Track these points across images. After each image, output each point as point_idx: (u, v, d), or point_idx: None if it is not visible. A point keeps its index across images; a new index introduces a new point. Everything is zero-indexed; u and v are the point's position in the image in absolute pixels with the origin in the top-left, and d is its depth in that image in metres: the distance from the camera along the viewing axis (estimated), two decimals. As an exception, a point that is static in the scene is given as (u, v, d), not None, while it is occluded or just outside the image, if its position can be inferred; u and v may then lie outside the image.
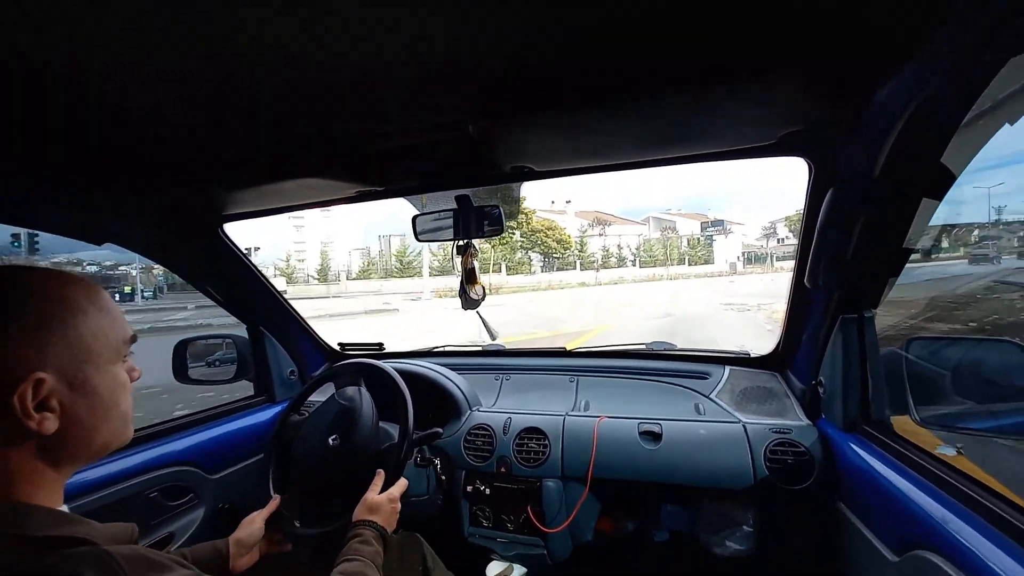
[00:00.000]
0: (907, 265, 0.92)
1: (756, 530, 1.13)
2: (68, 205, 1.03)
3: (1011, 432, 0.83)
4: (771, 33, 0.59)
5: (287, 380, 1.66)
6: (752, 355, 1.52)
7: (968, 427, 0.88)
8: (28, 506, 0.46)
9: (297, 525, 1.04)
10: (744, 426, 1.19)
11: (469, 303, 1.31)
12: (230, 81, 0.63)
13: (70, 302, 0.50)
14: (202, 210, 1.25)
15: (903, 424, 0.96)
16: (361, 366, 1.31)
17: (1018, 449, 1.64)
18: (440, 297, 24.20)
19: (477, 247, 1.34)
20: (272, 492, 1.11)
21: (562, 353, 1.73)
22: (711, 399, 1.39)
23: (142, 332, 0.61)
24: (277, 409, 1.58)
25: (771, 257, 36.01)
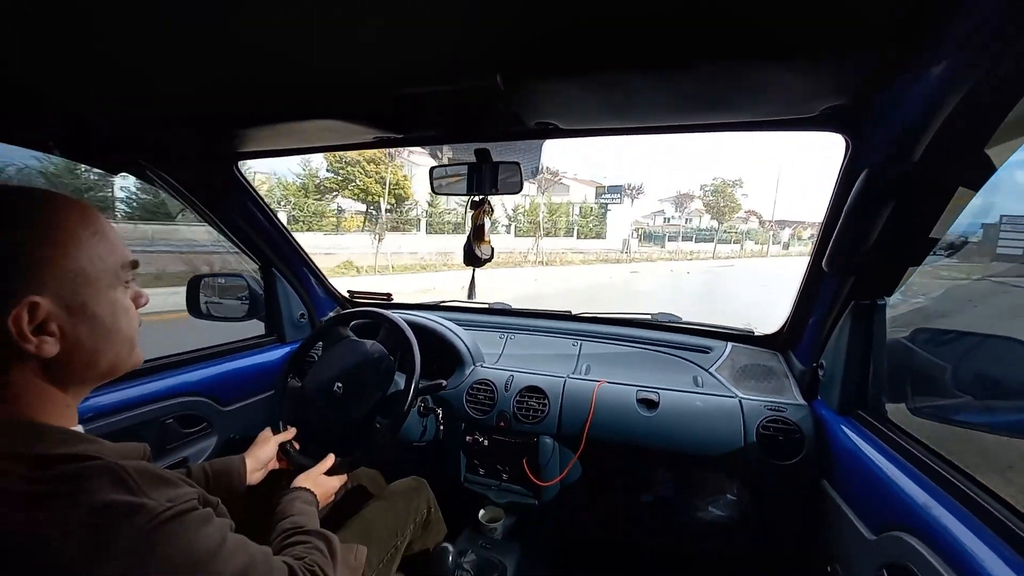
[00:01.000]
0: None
1: (739, 499, 1.18)
2: (83, 132, 1.02)
3: (1005, 429, 0.85)
4: (816, 8, 0.56)
5: (297, 322, 1.69)
6: (756, 333, 1.53)
7: (963, 420, 0.89)
8: (40, 425, 0.48)
9: (297, 448, 1.13)
10: (740, 401, 1.22)
11: (473, 259, 1.30)
12: (248, 18, 0.61)
13: (69, 228, 0.49)
14: (216, 145, 1.23)
15: (898, 412, 0.97)
16: (371, 315, 1.33)
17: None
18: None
19: (491, 205, 1.32)
20: (282, 427, 1.17)
21: (568, 317, 1.75)
22: (710, 373, 1.41)
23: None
24: (287, 349, 1.63)
25: (665, 238, 31.23)
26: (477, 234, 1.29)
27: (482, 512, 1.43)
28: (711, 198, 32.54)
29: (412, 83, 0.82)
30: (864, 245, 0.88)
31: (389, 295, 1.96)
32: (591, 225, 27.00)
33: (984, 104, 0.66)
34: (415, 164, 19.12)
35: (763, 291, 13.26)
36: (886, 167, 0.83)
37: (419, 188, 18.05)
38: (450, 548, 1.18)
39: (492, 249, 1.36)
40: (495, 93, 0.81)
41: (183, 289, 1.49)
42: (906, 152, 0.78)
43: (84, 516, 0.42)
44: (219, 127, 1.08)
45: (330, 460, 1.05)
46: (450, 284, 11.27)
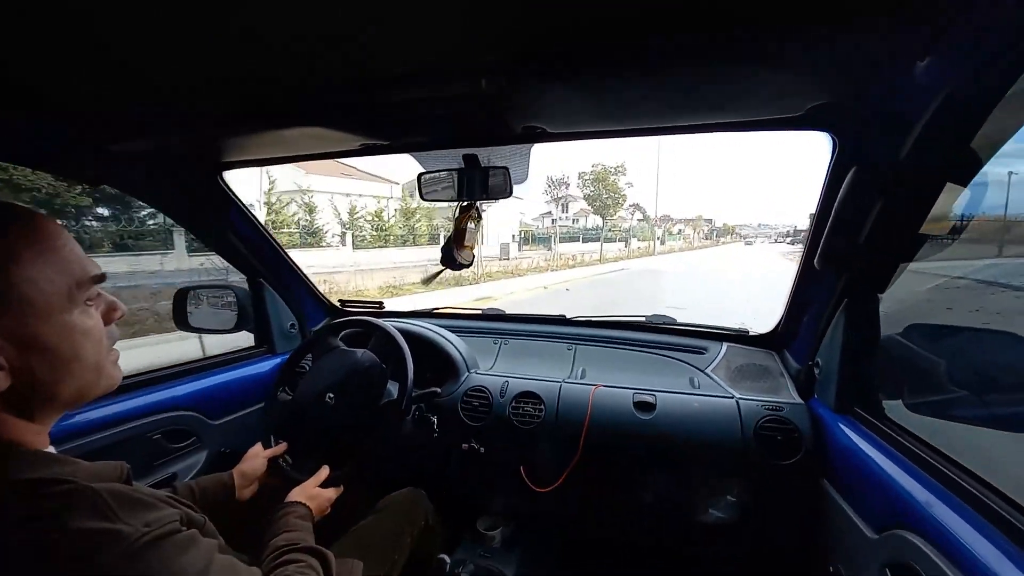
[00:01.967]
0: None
1: (740, 501, 1.17)
2: (62, 144, 1.00)
3: (1002, 423, 0.84)
4: (806, 5, 0.55)
5: (287, 333, 1.67)
6: (751, 333, 1.53)
7: (959, 415, 0.89)
8: (9, 447, 0.45)
9: (290, 462, 1.11)
10: (737, 401, 1.21)
11: (450, 261, 1.28)
12: (230, 23, 0.59)
13: (7, 252, 0.44)
14: (200, 155, 1.22)
15: (895, 409, 0.97)
16: (362, 324, 1.32)
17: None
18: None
19: (478, 211, 1.31)
20: (273, 441, 1.15)
21: (562, 321, 1.74)
22: (707, 373, 1.41)
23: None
24: (277, 360, 1.60)
25: (554, 238, 25.76)
26: (458, 238, 1.28)
27: (480, 521, 1.41)
28: (591, 189, 27.57)
29: (397, 90, 0.81)
30: (855, 243, 0.88)
31: (380, 303, 1.94)
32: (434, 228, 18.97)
33: (969, 100, 0.66)
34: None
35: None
36: (874, 164, 0.83)
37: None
38: (447, 559, 1.16)
39: (473, 256, 1.35)
40: (481, 98, 0.80)
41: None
42: (893, 149, 0.78)
43: (57, 544, 0.40)
44: (203, 137, 1.07)
45: (324, 472, 1.03)
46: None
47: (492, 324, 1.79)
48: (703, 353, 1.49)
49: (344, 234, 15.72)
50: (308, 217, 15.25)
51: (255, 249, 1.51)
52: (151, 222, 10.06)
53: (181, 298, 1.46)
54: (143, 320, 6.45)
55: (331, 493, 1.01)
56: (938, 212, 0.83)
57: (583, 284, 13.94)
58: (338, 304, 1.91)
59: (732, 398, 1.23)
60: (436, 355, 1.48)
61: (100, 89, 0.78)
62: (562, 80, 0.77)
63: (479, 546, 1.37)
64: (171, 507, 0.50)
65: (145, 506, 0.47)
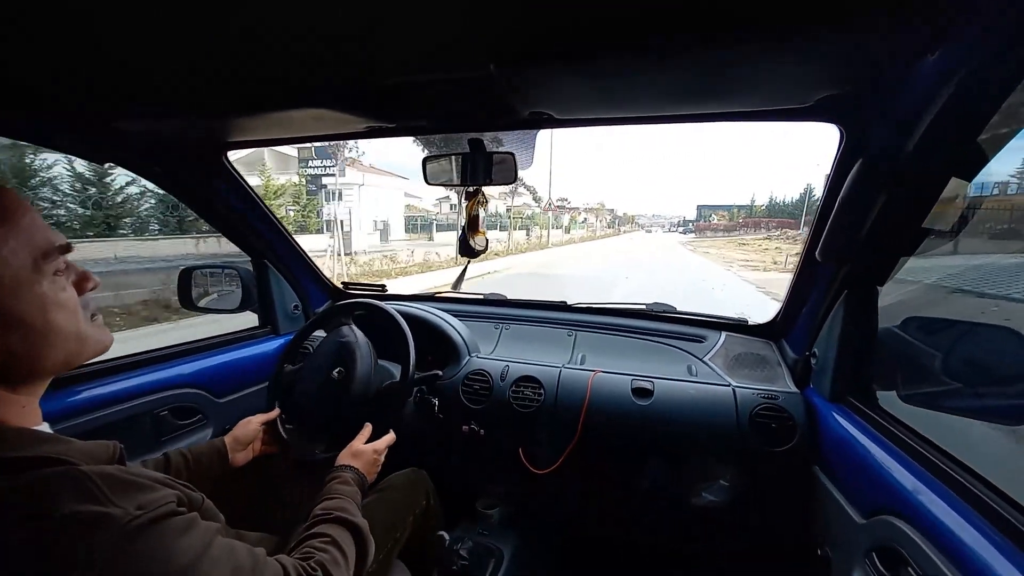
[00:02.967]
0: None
1: (733, 485, 1.20)
2: (69, 121, 1.00)
3: (994, 415, 0.86)
4: None
5: (291, 314, 1.68)
6: (750, 323, 1.54)
7: (952, 406, 0.91)
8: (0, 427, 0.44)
9: (318, 452, 1.11)
10: (733, 389, 1.23)
11: (467, 251, 1.29)
12: (237, 5, 0.59)
13: None
14: (205, 135, 1.21)
15: (890, 400, 0.99)
16: (365, 306, 1.33)
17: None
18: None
19: (485, 195, 1.32)
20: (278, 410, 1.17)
21: (562, 307, 1.75)
22: (704, 362, 1.42)
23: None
24: (281, 341, 1.62)
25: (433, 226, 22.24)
26: (472, 225, 1.29)
27: (479, 500, 1.44)
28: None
29: (404, 72, 0.81)
30: (858, 235, 0.89)
31: (383, 286, 1.95)
32: (293, 213, 16.26)
33: (977, 96, 0.66)
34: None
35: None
36: (880, 157, 0.83)
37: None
38: (447, 536, 1.19)
39: (487, 240, 1.36)
40: (489, 82, 0.80)
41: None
42: (900, 142, 0.78)
43: (47, 528, 0.39)
44: (208, 117, 1.06)
45: (368, 430, 1.06)
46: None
47: (494, 309, 1.80)
48: (701, 342, 1.50)
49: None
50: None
51: (259, 230, 1.51)
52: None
53: (186, 278, 1.47)
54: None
55: (379, 445, 1.03)
56: (941, 207, 0.83)
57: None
58: (341, 286, 1.92)
59: (728, 386, 1.25)
60: (438, 338, 1.50)
61: (100, 84, 0.78)
62: (570, 67, 0.77)
63: (478, 524, 1.40)
64: (167, 488, 0.49)
65: (138, 488, 0.46)
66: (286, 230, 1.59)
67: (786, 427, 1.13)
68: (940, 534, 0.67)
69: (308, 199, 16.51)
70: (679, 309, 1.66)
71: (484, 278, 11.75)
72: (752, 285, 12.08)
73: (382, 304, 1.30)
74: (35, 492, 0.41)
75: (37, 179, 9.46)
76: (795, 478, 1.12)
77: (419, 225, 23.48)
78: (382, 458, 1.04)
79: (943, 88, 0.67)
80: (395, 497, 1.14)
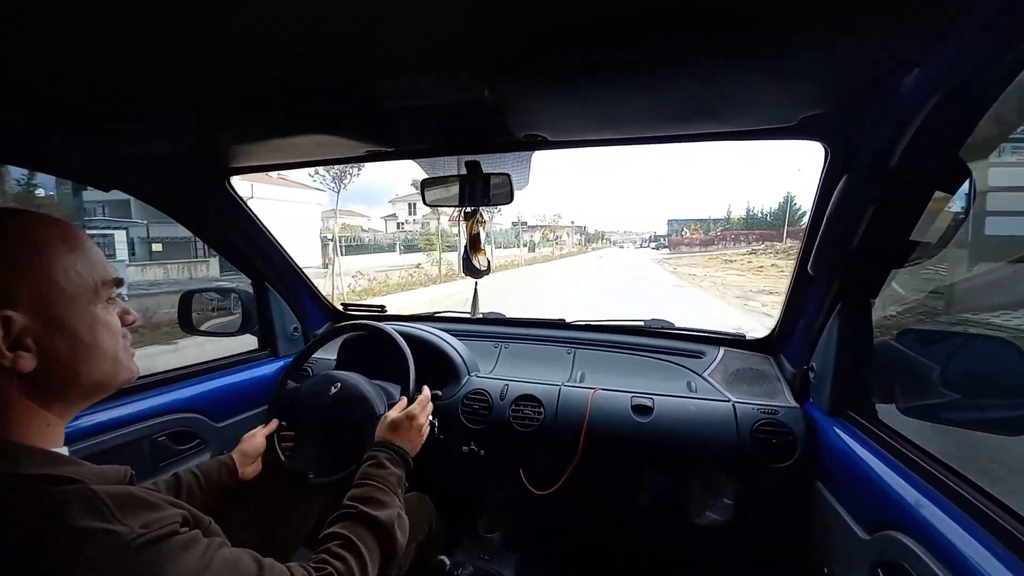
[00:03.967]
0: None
1: (735, 503, 1.18)
2: (76, 149, 1.03)
3: (994, 427, 0.86)
4: (802, 11, 0.58)
5: (290, 336, 1.69)
6: (748, 338, 1.55)
7: (951, 418, 0.90)
8: (20, 445, 0.47)
9: (311, 476, 1.09)
10: (733, 405, 1.23)
11: (472, 271, 1.32)
12: (237, 32, 0.62)
13: (42, 243, 0.50)
14: (209, 161, 1.24)
15: (889, 413, 0.98)
16: (365, 327, 1.33)
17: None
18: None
19: (484, 216, 1.34)
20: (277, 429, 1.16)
21: (561, 325, 1.76)
22: (704, 378, 1.42)
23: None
24: (280, 364, 1.62)
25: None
26: (473, 245, 1.31)
27: (479, 523, 1.42)
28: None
29: (402, 98, 0.84)
30: (847, 249, 0.90)
31: (383, 307, 1.96)
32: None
33: (957, 111, 0.68)
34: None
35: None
36: (865, 173, 0.85)
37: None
38: (447, 561, 1.17)
39: (488, 260, 1.38)
40: (484, 107, 0.83)
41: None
42: (884, 158, 0.80)
43: (55, 541, 0.42)
44: (211, 143, 1.10)
45: (403, 402, 1.04)
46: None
47: (493, 328, 1.81)
48: (700, 357, 1.50)
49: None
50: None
51: (260, 253, 1.53)
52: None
53: (186, 301, 1.48)
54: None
55: (414, 409, 0.99)
56: (927, 219, 0.85)
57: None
58: (340, 308, 1.93)
59: (728, 402, 1.25)
60: (437, 358, 1.50)
61: (100, 89, 0.79)
62: (562, 90, 0.80)
63: (478, 548, 1.38)
64: (174, 508, 0.51)
65: (146, 507, 0.48)
66: (286, 252, 1.61)
67: (787, 442, 1.12)
68: (945, 549, 0.66)
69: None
70: (677, 325, 1.67)
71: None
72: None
73: (381, 325, 1.31)
74: (46, 507, 0.43)
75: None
76: (797, 494, 1.10)
77: (354, 246, 20.74)
78: (422, 421, 1.00)
79: (924, 104, 0.69)
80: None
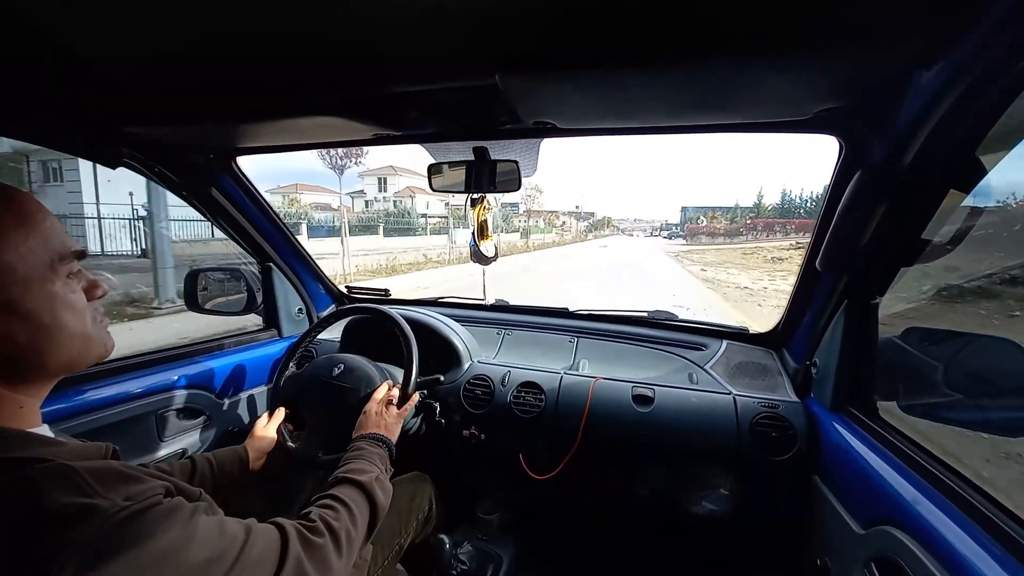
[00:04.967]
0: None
1: (732, 494, 1.20)
2: (83, 127, 1.02)
3: (995, 427, 0.86)
4: (821, 3, 0.56)
5: (295, 317, 1.70)
6: (751, 331, 1.55)
7: (952, 418, 0.91)
8: None
9: (291, 429, 1.14)
10: (734, 398, 1.23)
11: (480, 258, 1.32)
12: (246, 13, 0.61)
13: None
14: (216, 142, 1.24)
15: (890, 409, 0.99)
16: (369, 311, 1.34)
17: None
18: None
19: (491, 202, 1.34)
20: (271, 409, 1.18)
21: (565, 314, 1.76)
22: (705, 370, 1.43)
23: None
24: (285, 343, 1.64)
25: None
26: (480, 232, 1.31)
27: (479, 505, 1.44)
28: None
29: (411, 81, 0.83)
30: (857, 245, 0.90)
31: (387, 291, 1.97)
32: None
33: (975, 108, 0.67)
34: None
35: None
36: (879, 169, 0.84)
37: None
38: (447, 539, 1.19)
39: (495, 247, 1.38)
40: (493, 92, 0.82)
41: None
42: (899, 154, 0.79)
43: (36, 521, 0.40)
44: (218, 123, 1.09)
45: (383, 388, 1.08)
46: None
47: (496, 314, 1.81)
48: (703, 350, 1.51)
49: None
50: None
51: (266, 234, 1.53)
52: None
53: (192, 280, 1.49)
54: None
55: (377, 395, 1.05)
56: (940, 218, 0.84)
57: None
58: (344, 290, 1.94)
59: (729, 394, 1.25)
60: (440, 343, 1.51)
61: (107, 72, 0.78)
62: (573, 78, 0.78)
63: (477, 530, 1.41)
64: (156, 479, 0.50)
65: (127, 480, 0.47)
66: (292, 234, 1.61)
67: (786, 436, 1.13)
68: (939, 545, 0.67)
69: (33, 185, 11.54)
70: (680, 316, 1.67)
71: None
72: None
73: (385, 308, 1.32)
74: (23, 489, 0.42)
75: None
76: (795, 487, 1.11)
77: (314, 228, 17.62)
78: (390, 408, 1.03)
79: (941, 101, 0.68)
80: (399, 502, 1.14)
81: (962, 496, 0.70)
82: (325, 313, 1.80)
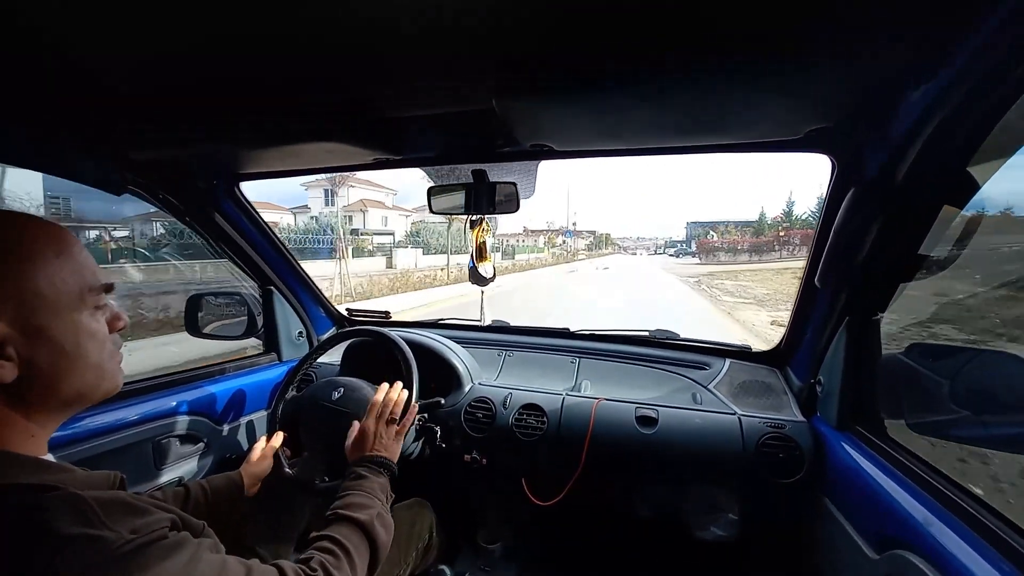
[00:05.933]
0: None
1: (741, 518, 1.17)
2: (87, 154, 1.04)
3: (1003, 444, 0.84)
4: (808, 25, 0.58)
5: (295, 341, 1.69)
6: (754, 350, 1.54)
7: (960, 435, 0.89)
8: (5, 453, 0.46)
9: (288, 454, 1.11)
10: (739, 418, 1.22)
11: (478, 279, 1.33)
12: (247, 40, 0.62)
13: (24, 247, 0.48)
14: (218, 167, 1.26)
15: (897, 427, 0.97)
16: (370, 333, 1.34)
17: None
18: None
19: (489, 224, 1.35)
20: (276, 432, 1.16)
21: (566, 334, 1.75)
22: (709, 389, 1.41)
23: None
24: (285, 368, 1.62)
25: None
26: (479, 254, 1.32)
27: (480, 533, 1.41)
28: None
29: (410, 106, 0.85)
30: (854, 262, 0.90)
31: (387, 313, 1.96)
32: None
33: (964, 126, 0.68)
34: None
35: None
36: (872, 186, 0.85)
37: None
38: (448, 571, 1.16)
39: (493, 268, 1.39)
40: (491, 116, 0.84)
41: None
42: (890, 172, 0.80)
43: (41, 549, 0.40)
44: (221, 149, 1.11)
45: (383, 389, 1.04)
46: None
47: (497, 336, 1.80)
48: (706, 369, 1.49)
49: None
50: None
51: (267, 257, 1.54)
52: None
53: (193, 304, 1.49)
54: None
55: (367, 419, 0.97)
56: (937, 234, 0.84)
57: None
58: (345, 313, 1.93)
59: (734, 414, 1.23)
60: (441, 365, 1.50)
61: (110, 95, 0.80)
62: (568, 101, 0.80)
63: (479, 559, 1.36)
64: (163, 512, 0.50)
65: (134, 512, 0.47)
66: (293, 257, 1.62)
67: (793, 457, 1.11)
68: (955, 571, 0.65)
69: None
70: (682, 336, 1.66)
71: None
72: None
73: (386, 331, 1.31)
74: (32, 515, 0.42)
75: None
76: (804, 510, 1.09)
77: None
78: (390, 425, 0.98)
79: (930, 118, 0.69)
80: (399, 531, 1.11)
81: (976, 517, 0.68)
82: (325, 336, 1.79)
